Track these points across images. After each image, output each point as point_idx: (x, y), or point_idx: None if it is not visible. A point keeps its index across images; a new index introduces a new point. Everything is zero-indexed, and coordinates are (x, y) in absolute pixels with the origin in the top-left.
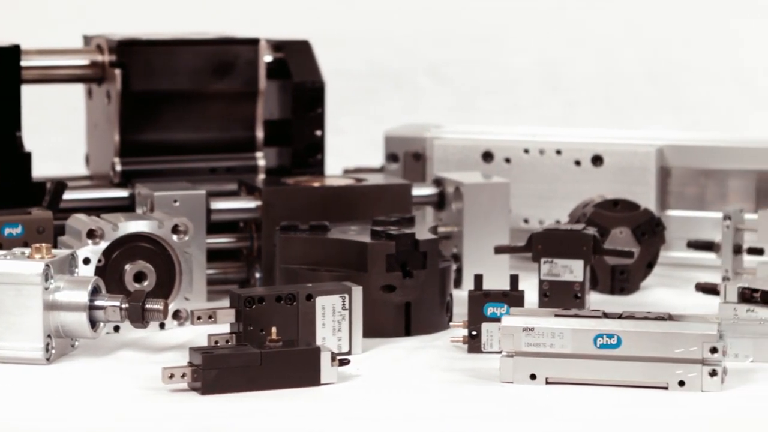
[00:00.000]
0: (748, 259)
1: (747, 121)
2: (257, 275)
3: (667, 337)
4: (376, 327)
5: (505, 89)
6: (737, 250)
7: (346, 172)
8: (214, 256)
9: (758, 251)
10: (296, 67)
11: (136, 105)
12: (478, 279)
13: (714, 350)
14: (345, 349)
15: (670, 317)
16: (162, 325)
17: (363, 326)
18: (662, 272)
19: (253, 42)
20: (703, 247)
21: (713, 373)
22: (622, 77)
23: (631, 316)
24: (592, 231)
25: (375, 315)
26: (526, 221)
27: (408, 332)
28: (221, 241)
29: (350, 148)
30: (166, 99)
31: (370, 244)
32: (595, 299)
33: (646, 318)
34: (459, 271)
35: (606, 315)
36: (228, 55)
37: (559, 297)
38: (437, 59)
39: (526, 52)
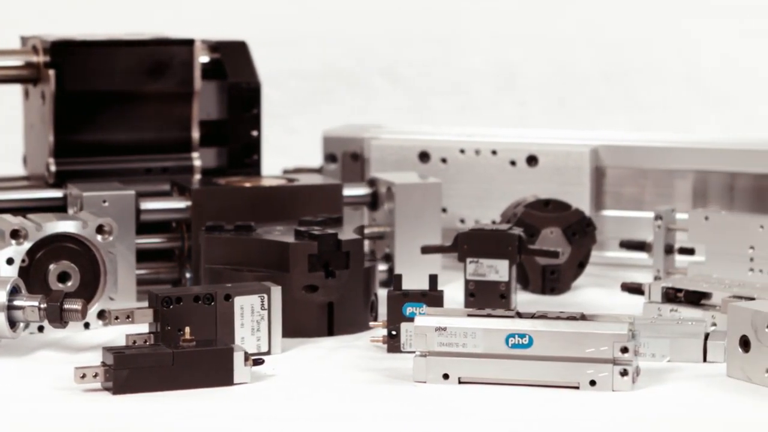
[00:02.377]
0: (680, 259)
1: (700, 122)
2: (187, 275)
3: (578, 336)
4: (298, 327)
5: (459, 90)
6: (669, 250)
7: (285, 172)
8: (147, 256)
9: (689, 251)
10: (232, 68)
11: (70, 105)
12: (397, 279)
13: (625, 350)
14: (264, 349)
15: (583, 317)
16: (87, 325)
17: (285, 326)
18: (596, 272)
19: (188, 43)
20: (636, 247)
21: (624, 373)
22: (575, 77)
23: (543, 316)
24: (517, 231)
25: (297, 315)
26: (462, 221)
27: (331, 332)
28: (152, 241)
29: (303, 147)
30: (101, 99)
31: (292, 244)
32: (526, 299)
33: (558, 318)
34: (391, 271)
35: (520, 315)
36: (162, 56)
37: (485, 297)
38: (392, 60)
39: (481, 53)
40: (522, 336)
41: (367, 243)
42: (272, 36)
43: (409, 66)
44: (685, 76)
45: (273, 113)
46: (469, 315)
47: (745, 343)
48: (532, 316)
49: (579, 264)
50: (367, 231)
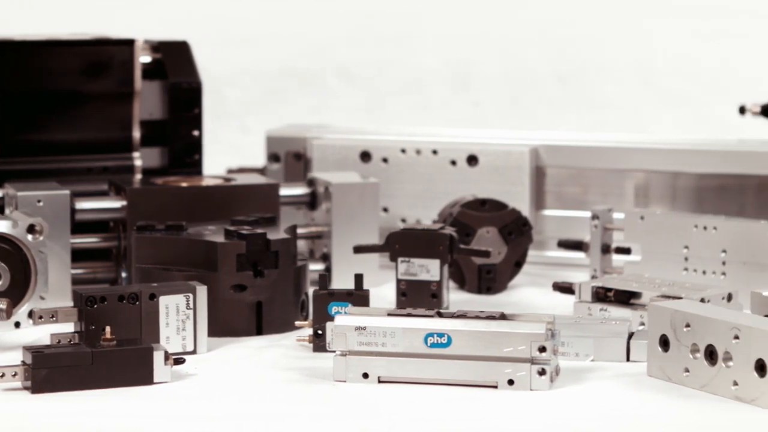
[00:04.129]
0: (617, 258)
1: (653, 121)
2: (123, 275)
3: (496, 336)
4: (227, 326)
5: (413, 89)
6: (605, 249)
7: (229, 171)
8: (85, 255)
9: (625, 250)
10: (173, 68)
11: (10, 105)
12: (323, 278)
13: (542, 349)
14: (190, 348)
15: (502, 316)
16: (17, 324)
17: (214, 326)
18: (535, 271)
19: (128, 43)
20: (573, 247)
21: (542, 372)
22: (529, 77)
23: (462, 316)
24: (449, 231)
25: (226, 314)
26: (403, 221)
27: (260, 332)
28: (89, 240)
29: (257, 147)
30: (42, 99)
31: (220, 244)
32: (462, 298)
33: (477, 317)
34: (328, 271)
35: (440, 314)
36: (102, 56)
37: (417, 296)
38: (347, 60)
39: (435, 53)
40: (441, 335)
41: (305, 243)
42: (229, 36)
43: (364, 66)
44: (638, 75)
45: (229, 112)
46: (389, 314)
47: (664, 343)
48: (452, 316)
49: (516, 263)
50: (305, 231)
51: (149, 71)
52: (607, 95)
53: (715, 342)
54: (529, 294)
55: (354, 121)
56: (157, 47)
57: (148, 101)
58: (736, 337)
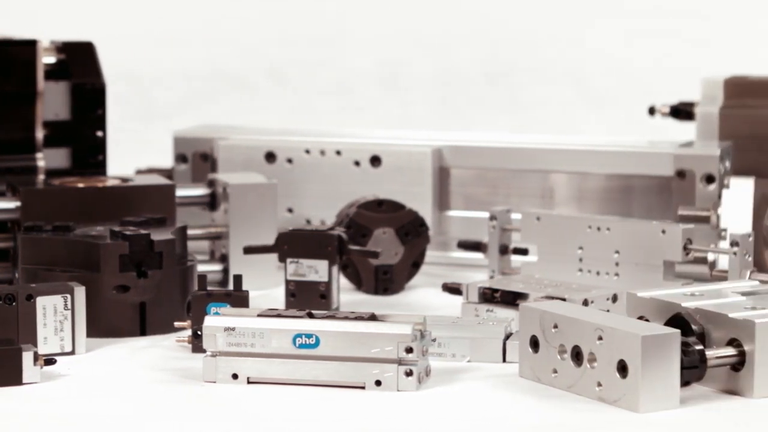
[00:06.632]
0: (515, 259)
1: (582, 122)
2: (17, 275)
3: (364, 337)
4: (110, 327)
5: (343, 90)
6: (504, 250)
7: (138, 172)
8: None
9: (523, 251)
10: (76, 69)
11: None
12: (201, 279)
13: (410, 350)
14: (68, 348)
15: (372, 317)
16: None
17: (98, 326)
18: (436, 272)
19: (31, 43)
20: (472, 248)
21: (409, 373)
22: (459, 77)
23: (332, 316)
24: (338, 231)
25: (109, 315)
26: (308, 221)
27: (143, 332)
28: None
29: None
30: None
31: (103, 245)
32: (358, 299)
33: (346, 318)
34: (226, 272)
35: (311, 315)
36: (4, 56)
37: (306, 297)
38: (278, 60)
39: (365, 53)
40: (309, 336)
41: (207, 243)
42: (159, 37)
43: (295, 66)
44: (569, 75)
45: (158, 114)
46: (260, 315)
47: (534, 344)
48: (323, 317)
49: (413, 264)
50: (203, 231)
51: (54, 72)
52: (538, 96)
53: (580, 343)
54: (426, 295)
55: (285, 123)
56: (61, 48)
57: (53, 102)
58: (600, 338)
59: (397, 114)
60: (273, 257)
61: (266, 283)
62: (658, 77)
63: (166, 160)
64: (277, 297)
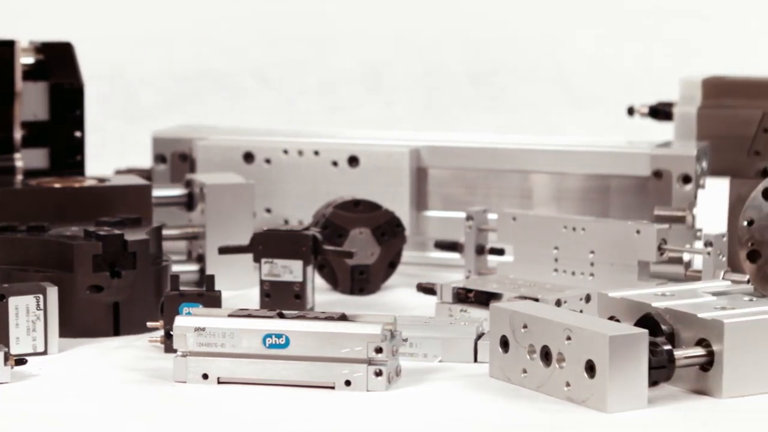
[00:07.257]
0: (492, 259)
1: (567, 122)
2: None
3: (333, 337)
4: (84, 327)
5: (327, 90)
6: (480, 250)
7: (117, 172)
8: None
9: (499, 251)
10: (55, 69)
11: None
12: (174, 279)
13: (379, 350)
14: (40, 349)
15: (342, 317)
16: None
17: (71, 326)
18: (413, 272)
19: (9, 43)
20: (449, 248)
21: (379, 373)
22: (443, 78)
23: (302, 317)
24: (313, 231)
25: (83, 315)
26: (286, 222)
27: (117, 332)
28: None
29: None
30: None
31: (76, 245)
32: (334, 299)
33: (316, 318)
34: (203, 272)
35: (282, 315)
36: None
37: (280, 297)
38: (262, 61)
39: (349, 53)
40: (279, 336)
41: (184, 243)
42: (143, 37)
43: (279, 67)
44: (552, 76)
45: (142, 114)
46: (230, 315)
47: (504, 344)
48: (293, 317)
49: (389, 264)
50: (180, 232)
51: (32, 72)
52: (521, 96)
53: (549, 343)
54: (403, 295)
55: (268, 123)
56: (40, 48)
57: (31, 102)
58: (569, 338)
59: (381, 114)
60: (249, 257)
61: (243, 283)
62: (640, 77)
63: (149, 161)
64: (253, 297)
